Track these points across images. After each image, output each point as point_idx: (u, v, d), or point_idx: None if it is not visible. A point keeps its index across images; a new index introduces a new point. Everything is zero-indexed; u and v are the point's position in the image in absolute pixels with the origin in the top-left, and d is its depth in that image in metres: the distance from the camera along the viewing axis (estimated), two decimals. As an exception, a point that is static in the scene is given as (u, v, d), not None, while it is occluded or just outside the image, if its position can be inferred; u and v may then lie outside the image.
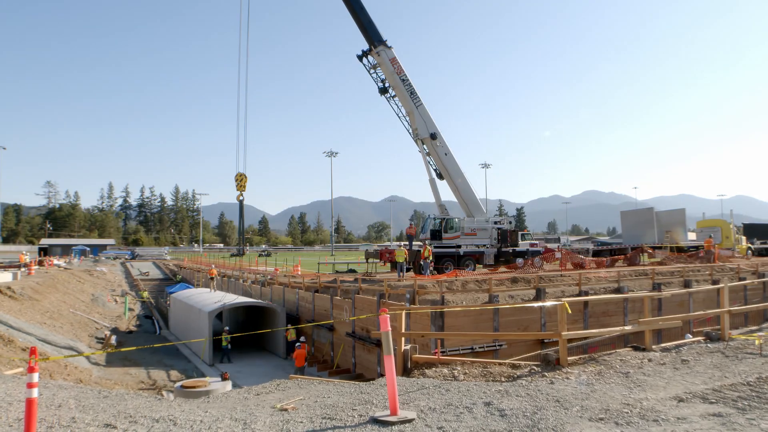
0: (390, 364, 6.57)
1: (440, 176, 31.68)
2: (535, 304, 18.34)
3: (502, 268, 30.33)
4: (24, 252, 66.07)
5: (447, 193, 32.69)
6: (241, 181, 24.01)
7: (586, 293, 21.41)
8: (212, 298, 30.05)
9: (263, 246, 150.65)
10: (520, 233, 34.83)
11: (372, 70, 30.85)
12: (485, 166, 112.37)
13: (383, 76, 30.77)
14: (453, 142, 32.31)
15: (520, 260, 31.00)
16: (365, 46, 30.38)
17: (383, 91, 31.09)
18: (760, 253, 49.19)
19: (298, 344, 22.90)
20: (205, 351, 25.99)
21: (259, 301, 30.56)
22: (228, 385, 16.83)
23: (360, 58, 30.90)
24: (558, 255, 31.86)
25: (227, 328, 27.00)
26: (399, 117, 31.63)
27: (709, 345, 10.92)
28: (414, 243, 29.81)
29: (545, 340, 17.62)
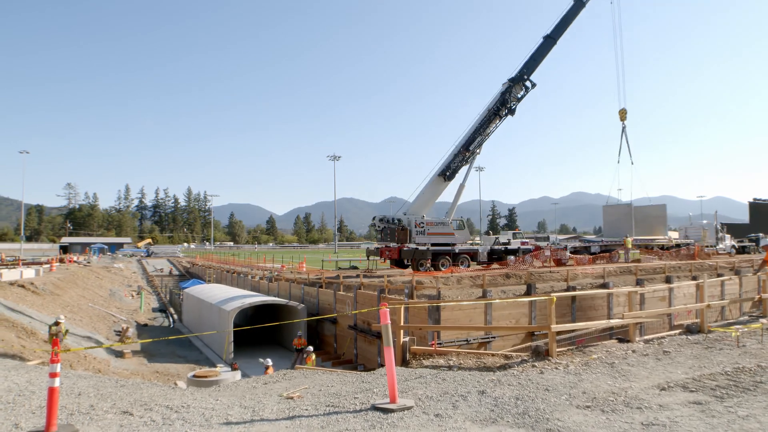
0: (390, 355, 6.58)
1: (450, 177, 31.28)
2: (526, 299, 18.36)
3: (495, 265, 30.33)
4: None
5: (443, 196, 32.46)
6: None
7: (574, 288, 21.40)
8: (223, 294, 29.98)
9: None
10: (512, 232, 34.93)
11: (509, 95, 30.91)
12: (479, 169, 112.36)
13: (513, 105, 30.99)
14: (447, 145, 32.23)
15: (511, 258, 31.02)
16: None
17: (511, 112, 31.19)
18: (736, 251, 49.24)
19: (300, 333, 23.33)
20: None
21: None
22: (237, 375, 16.84)
23: (511, 80, 31.11)
24: (547, 253, 31.89)
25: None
26: (488, 135, 31.60)
27: (689, 337, 10.93)
28: (409, 244, 29.59)
29: (535, 333, 17.65)
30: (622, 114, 37.73)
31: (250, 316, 32.13)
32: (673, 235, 43.82)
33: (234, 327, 24.71)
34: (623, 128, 37.93)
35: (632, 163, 39.11)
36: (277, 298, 28.86)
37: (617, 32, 36.21)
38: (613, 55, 37.26)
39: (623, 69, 36.01)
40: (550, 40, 31.56)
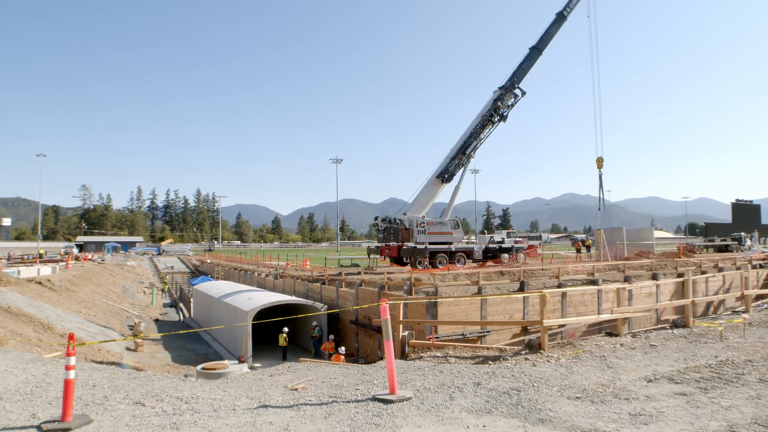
0: (389, 348, 6.58)
1: (448, 180, 31.26)
2: (519, 295, 18.35)
3: (490, 263, 30.33)
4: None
5: (441, 197, 32.34)
6: None
7: (565, 285, 21.39)
8: (230, 290, 29.91)
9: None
10: (506, 231, 34.94)
11: (500, 103, 30.94)
12: (474, 171, 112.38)
13: (504, 112, 31.07)
14: (445, 149, 32.17)
15: (505, 256, 31.03)
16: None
17: (503, 118, 31.26)
18: (719, 249, 49.25)
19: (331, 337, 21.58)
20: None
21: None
22: (244, 368, 16.79)
23: (502, 88, 31.16)
24: (540, 251, 31.90)
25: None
26: (482, 140, 31.57)
27: (674, 331, 10.92)
28: (411, 241, 29.56)
29: (528, 327, 17.65)
30: (599, 162, 34.04)
31: (261, 314, 31.64)
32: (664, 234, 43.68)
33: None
34: (600, 176, 33.97)
35: (600, 209, 35.25)
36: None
37: (595, 57, 35.25)
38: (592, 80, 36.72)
39: (600, 116, 34.35)
40: (536, 51, 31.57)
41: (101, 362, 16.06)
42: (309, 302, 24.61)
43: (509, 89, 30.92)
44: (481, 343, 16.06)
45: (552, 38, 31.97)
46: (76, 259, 56.16)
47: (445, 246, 29.33)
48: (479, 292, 18.90)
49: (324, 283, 26.34)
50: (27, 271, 32.20)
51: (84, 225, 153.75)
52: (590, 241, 40.17)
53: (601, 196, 34.55)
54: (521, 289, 20.16)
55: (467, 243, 30.92)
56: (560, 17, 32.00)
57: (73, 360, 5.64)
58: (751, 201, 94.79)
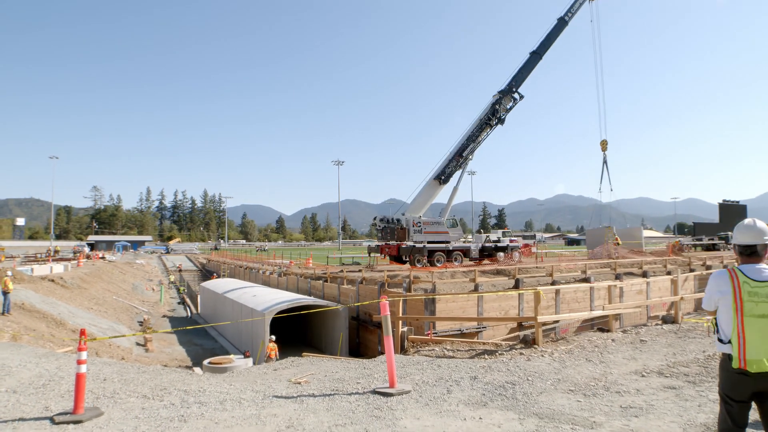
0: (389, 343, 6.58)
1: (445, 181, 31.21)
2: (515, 292, 18.35)
3: (486, 261, 30.31)
4: None
5: (439, 197, 32.27)
6: None
7: (558, 282, 21.38)
8: (235, 286, 29.89)
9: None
10: (501, 231, 34.91)
11: (499, 106, 30.81)
12: (471, 173, 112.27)
13: (502, 115, 30.91)
14: (443, 150, 32.07)
15: (501, 254, 31.02)
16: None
17: (501, 121, 31.10)
18: (707, 248, 49.23)
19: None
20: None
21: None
22: (250, 362, 16.78)
23: (501, 92, 31.07)
24: (534, 249, 31.86)
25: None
26: (480, 143, 31.52)
27: (664, 327, 10.92)
28: (409, 241, 29.54)
29: (523, 323, 17.62)
30: (604, 145, 34.96)
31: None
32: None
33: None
34: (604, 158, 34.98)
35: (612, 190, 36.61)
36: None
37: (598, 55, 35.03)
38: (593, 76, 36.19)
39: (604, 99, 34.12)
40: (536, 56, 31.49)
41: (111, 357, 16.07)
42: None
43: (508, 93, 30.83)
44: (477, 339, 16.08)
45: (552, 43, 31.66)
46: (88, 257, 56.16)
47: (443, 245, 29.32)
48: (476, 290, 18.88)
49: (326, 281, 26.34)
50: (40, 269, 32.21)
51: (95, 225, 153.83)
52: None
53: (607, 175, 34.44)
54: (516, 287, 20.15)
55: (464, 242, 30.84)
56: (562, 22, 31.72)
57: (84, 355, 5.64)
58: (738, 201, 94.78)
